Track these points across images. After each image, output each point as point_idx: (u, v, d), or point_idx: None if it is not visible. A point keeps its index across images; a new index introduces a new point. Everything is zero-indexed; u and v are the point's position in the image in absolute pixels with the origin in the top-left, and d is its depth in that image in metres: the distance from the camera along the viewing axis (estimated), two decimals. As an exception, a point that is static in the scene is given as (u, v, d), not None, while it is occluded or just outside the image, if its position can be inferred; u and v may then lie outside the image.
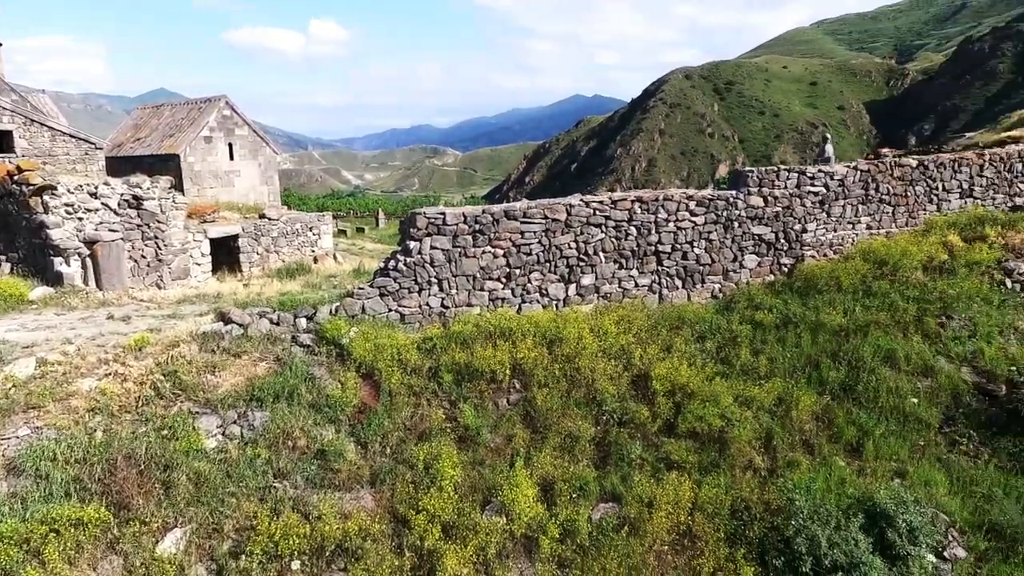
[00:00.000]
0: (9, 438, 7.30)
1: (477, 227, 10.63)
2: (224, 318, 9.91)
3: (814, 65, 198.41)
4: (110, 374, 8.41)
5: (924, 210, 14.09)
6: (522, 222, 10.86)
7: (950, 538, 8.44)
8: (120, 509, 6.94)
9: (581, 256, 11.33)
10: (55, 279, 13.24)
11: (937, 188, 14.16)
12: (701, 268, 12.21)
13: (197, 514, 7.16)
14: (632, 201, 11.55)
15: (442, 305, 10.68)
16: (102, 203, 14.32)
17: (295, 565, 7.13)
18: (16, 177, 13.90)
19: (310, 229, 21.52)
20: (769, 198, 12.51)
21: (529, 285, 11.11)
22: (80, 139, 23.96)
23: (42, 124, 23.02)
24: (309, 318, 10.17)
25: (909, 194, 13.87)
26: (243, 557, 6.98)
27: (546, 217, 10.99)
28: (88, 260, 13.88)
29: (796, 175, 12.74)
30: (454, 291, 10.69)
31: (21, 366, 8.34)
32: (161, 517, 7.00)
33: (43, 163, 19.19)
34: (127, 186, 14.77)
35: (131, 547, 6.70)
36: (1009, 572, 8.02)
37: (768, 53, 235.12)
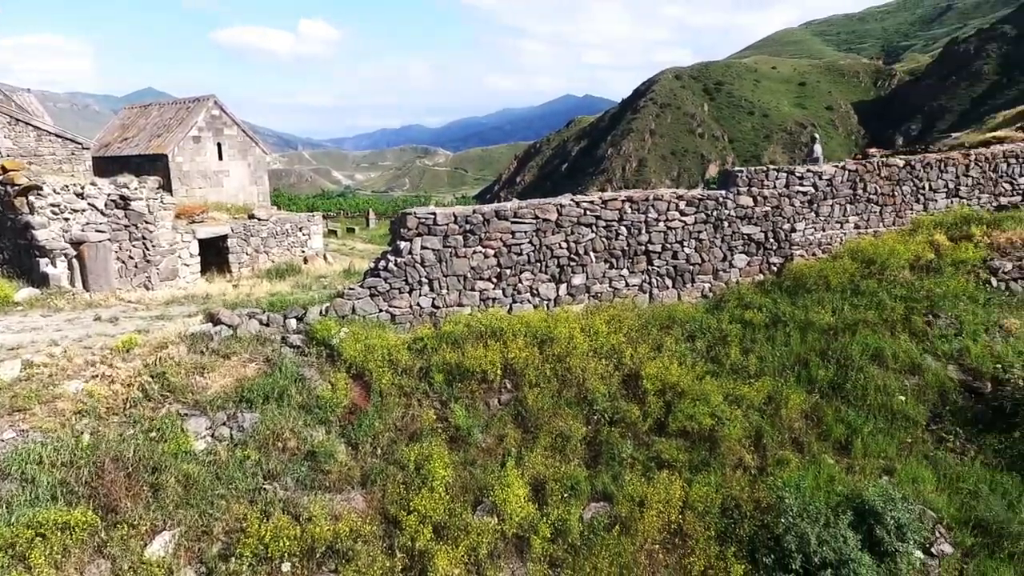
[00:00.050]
0: (-6, 441, 7.21)
1: (468, 227, 10.62)
2: (213, 319, 9.84)
3: (803, 65, 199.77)
4: (97, 376, 8.33)
5: (911, 210, 14.21)
6: (513, 222, 10.86)
7: (937, 534, 8.52)
8: (108, 512, 6.87)
9: (572, 256, 11.34)
10: (41, 280, 13.10)
11: (924, 188, 14.29)
12: (691, 268, 12.26)
13: (186, 517, 7.10)
14: (622, 201, 11.58)
15: (433, 305, 10.66)
16: (89, 203, 14.18)
17: (285, 567, 7.09)
18: (1, 177, 13.74)
19: (300, 229, 21.41)
20: (759, 198, 12.58)
21: (520, 285, 11.11)
22: (66, 139, 23.72)
23: (27, 124, 22.77)
24: (299, 319, 10.12)
25: (896, 194, 13.99)
26: (233, 559, 6.93)
27: (537, 217, 10.99)
28: (75, 261, 13.75)
29: (785, 175, 12.82)
30: (445, 291, 10.67)
31: (6, 368, 8.25)
32: (149, 520, 6.94)
33: (28, 163, 18.96)
34: (114, 186, 14.64)
35: (119, 551, 6.64)
36: (995, 567, 8.12)
37: (757, 53, 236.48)
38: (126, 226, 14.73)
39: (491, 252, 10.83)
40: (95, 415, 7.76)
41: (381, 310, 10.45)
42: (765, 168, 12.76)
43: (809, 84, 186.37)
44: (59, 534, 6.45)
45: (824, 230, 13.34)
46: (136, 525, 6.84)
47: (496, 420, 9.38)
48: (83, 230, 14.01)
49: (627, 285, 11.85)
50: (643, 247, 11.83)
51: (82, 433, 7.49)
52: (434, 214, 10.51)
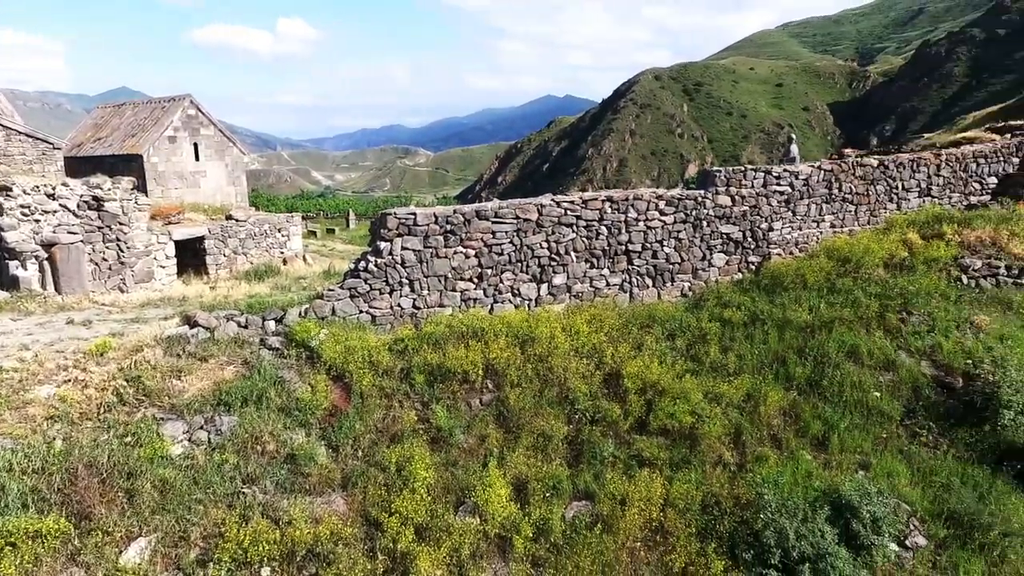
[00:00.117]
0: (-38, 449, 7.03)
1: (448, 227, 10.59)
2: (190, 321, 9.70)
3: (780, 67, 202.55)
4: (70, 380, 8.17)
5: (885, 209, 14.48)
6: (494, 222, 10.86)
7: (911, 527, 8.69)
8: (81, 519, 6.73)
9: (553, 256, 11.37)
10: (11, 283, 12.80)
11: (897, 187, 14.57)
12: (671, 267, 12.36)
13: (163, 522, 6.98)
14: (603, 201, 11.63)
15: (414, 306, 10.62)
16: (60, 204, 13.89)
17: (265, 572, 7.01)
18: (-32, 178, 13.40)
19: (279, 230, 21.19)
20: (737, 197, 12.72)
21: (501, 285, 11.11)
22: (37, 139, 23.20)
23: (-4, 123, 22.23)
24: (278, 320, 10.01)
25: (871, 193, 14.24)
26: (211, 565, 6.84)
27: (518, 217, 11.00)
28: (46, 263, 13.46)
29: (763, 175, 12.99)
30: (426, 292, 10.63)
31: (-25, 374, 8.04)
32: (125, 526, 6.81)
33: (-3, 163, 18.54)
34: (87, 187, 14.37)
35: (93, 558, 6.51)
36: (966, 558, 8.29)
37: (735, 55, 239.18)
38: (99, 227, 14.45)
39: (472, 252, 10.82)
40: (68, 420, 7.60)
41: (361, 311, 10.38)
42: (743, 168, 12.92)
43: (786, 85, 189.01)
44: (30, 543, 6.29)
45: (801, 229, 13.53)
46: (111, 532, 6.70)
47: (478, 420, 9.37)
48: (55, 232, 13.72)
49: (608, 284, 11.91)
50: (623, 247, 11.90)
51: (54, 439, 7.33)
52: (414, 214, 10.47)
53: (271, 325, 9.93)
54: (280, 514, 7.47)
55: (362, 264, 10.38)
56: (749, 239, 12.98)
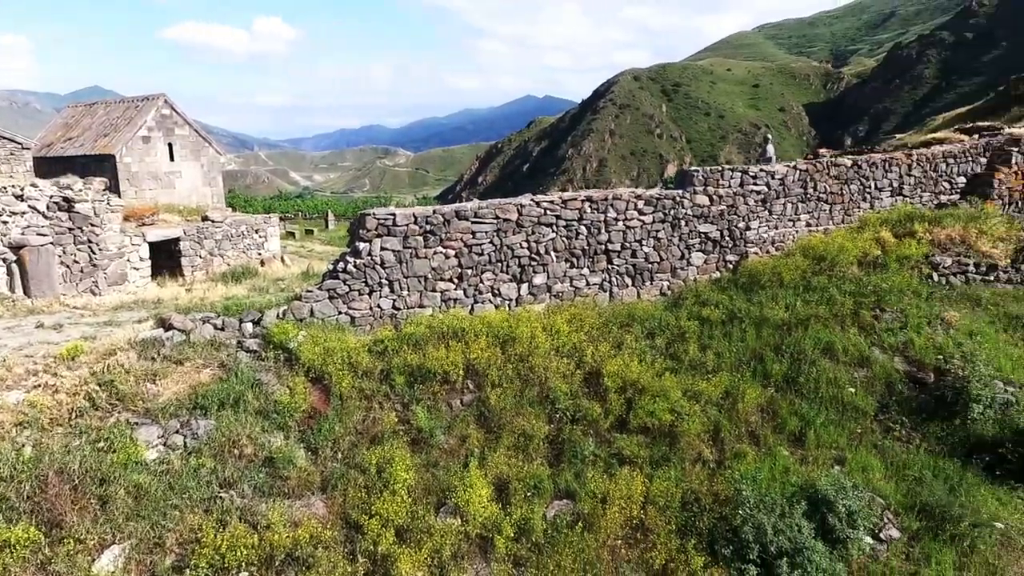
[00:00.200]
0: (-73, 457, 6.84)
1: (428, 228, 10.55)
2: (165, 324, 9.54)
3: (756, 68, 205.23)
4: (40, 385, 7.98)
5: (859, 208, 14.74)
6: (473, 222, 10.84)
7: (885, 520, 8.85)
8: (52, 528, 6.58)
9: (533, 256, 11.39)
10: (-22, 286, 12.47)
11: (870, 187, 14.84)
12: (650, 266, 12.45)
13: (137, 529, 6.85)
14: (582, 201, 11.68)
15: (393, 307, 10.56)
16: (29, 206, 13.57)
17: (243, 577, 6.91)
18: (-68, 178, 13.03)
19: (256, 231, 20.92)
20: (714, 197, 12.85)
21: (481, 285, 11.10)
22: (4, 138, 22.64)
23: (-38, 122, 21.63)
24: (255, 322, 9.89)
25: (845, 192, 14.48)
26: (187, 571, 6.73)
27: (497, 217, 11.00)
28: (14, 266, 13.14)
29: (740, 174, 13.14)
30: (405, 292, 10.58)
31: (-60, 380, 7.82)
32: (97, 534, 6.67)
33: (-37, 163, 18.06)
34: (57, 188, 14.05)
35: (64, 567, 6.37)
36: (938, 549, 8.47)
37: (713, 56, 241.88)
38: (70, 229, 14.14)
39: (452, 252, 10.79)
40: (37, 426, 7.43)
41: (340, 312, 10.30)
42: (720, 168, 13.05)
43: (762, 86, 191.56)
44: (-1, 552, 6.14)
45: (777, 228, 13.71)
46: (83, 540, 6.56)
47: (459, 421, 9.35)
48: (23, 233, 13.40)
49: (588, 284, 11.96)
50: (603, 246, 11.95)
51: (23, 446, 7.16)
52: (393, 215, 10.41)
53: (248, 327, 9.81)
54: (258, 518, 7.38)
55: (341, 265, 10.30)
56: (727, 238, 13.12)
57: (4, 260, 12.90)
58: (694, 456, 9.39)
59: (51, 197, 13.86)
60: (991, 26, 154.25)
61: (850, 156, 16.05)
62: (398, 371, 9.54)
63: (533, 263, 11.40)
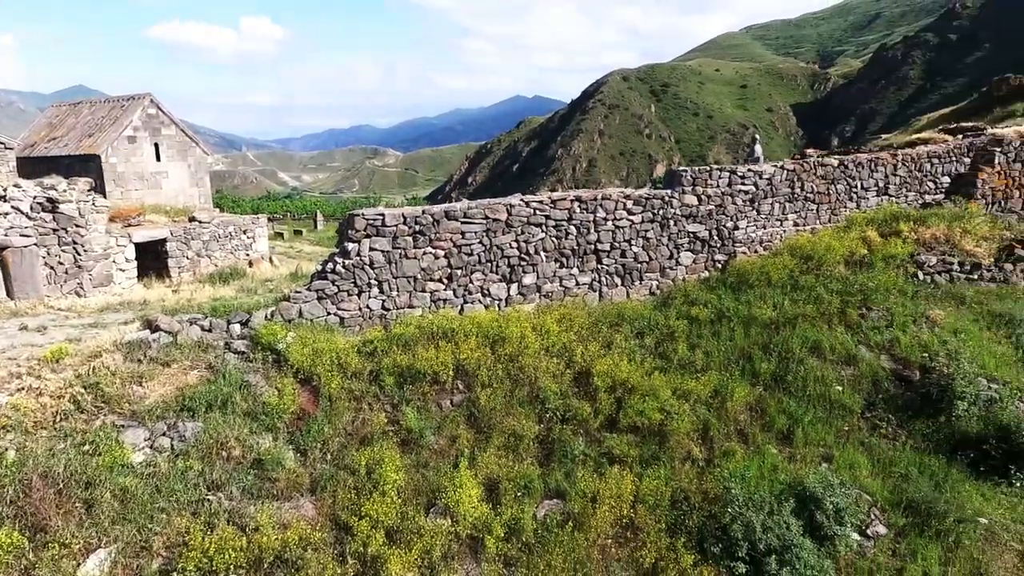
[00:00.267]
0: (-93, 461, 6.73)
1: (417, 228, 10.53)
2: (151, 326, 9.46)
3: (744, 68, 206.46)
4: (23, 388, 7.88)
5: (845, 207, 14.86)
6: (463, 222, 10.83)
7: (872, 516, 8.94)
8: (36, 532, 6.50)
9: (522, 256, 11.39)
10: (-40, 288, 12.30)
11: (857, 186, 14.97)
12: (639, 266, 12.49)
13: (123, 532, 6.78)
14: (571, 201, 11.69)
15: (383, 307, 10.53)
16: (12, 207, 13.39)
17: (231, 580, 6.86)
18: (-87, 179, 12.84)
19: (244, 232, 20.77)
20: (703, 197, 12.92)
21: (471, 285, 11.08)
22: (-13, 138, 22.33)
23: (-57, 122, 21.34)
24: (243, 324, 9.83)
25: (831, 192, 14.60)
26: (174, 575, 6.67)
27: (487, 217, 10.99)
28: (-2, 267, 12.96)
29: (728, 174, 13.21)
30: (395, 293, 10.55)
31: (-79, 383, 7.71)
32: (83, 538, 6.60)
33: (-55, 164, 17.80)
34: (41, 188, 13.88)
35: (49, 572, 6.29)
36: (924, 545, 8.56)
37: (701, 56, 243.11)
38: (54, 230, 13.97)
39: (441, 253, 10.77)
40: (21, 430, 7.33)
41: (329, 313, 10.25)
42: (708, 168, 13.11)
43: (750, 86, 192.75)
44: (-18, 558, 6.06)
45: (765, 227, 13.80)
46: (68, 544, 6.49)
47: (448, 421, 9.33)
48: (6, 235, 13.23)
49: (577, 284, 11.98)
50: (592, 246, 11.98)
51: (6, 450, 7.06)
52: (383, 215, 10.38)
53: (236, 328, 9.74)
54: (247, 520, 7.33)
55: (330, 266, 10.25)
56: (715, 238, 13.19)
57: (-13, 261, 12.73)
58: (683, 455, 9.43)
59: (35, 198, 13.70)
60: (974, 28, 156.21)
61: (837, 156, 16.18)
62: (388, 372, 9.51)
63: (523, 263, 11.41)
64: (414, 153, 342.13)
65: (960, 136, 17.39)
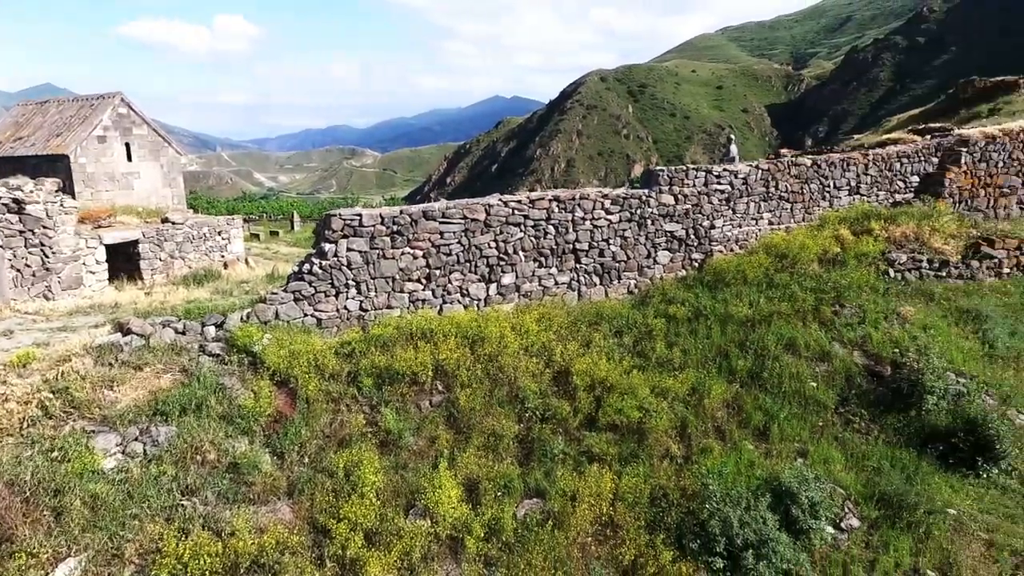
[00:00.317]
0: None
1: (395, 228, 10.46)
2: (123, 329, 9.26)
3: (720, 70, 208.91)
4: (-11, 394, 7.66)
5: (818, 206, 15.12)
6: (441, 222, 10.79)
7: (846, 510, 9.10)
8: (2, 542, 6.32)
9: (501, 255, 11.39)
10: (-78, 292, 11.92)
11: (829, 186, 15.23)
12: (617, 265, 12.56)
13: (94, 540, 6.63)
14: (550, 200, 11.72)
15: (361, 308, 10.45)
16: (-23, 207, 13.02)
17: (207, 586, 6.74)
18: None
19: (219, 233, 20.44)
20: (680, 196, 13.03)
21: (450, 286, 11.05)
22: (-50, 137, 21.69)
23: (-97, 120, 20.67)
24: (218, 326, 9.67)
25: (805, 191, 14.84)
26: (148, 582, 6.54)
27: (465, 217, 10.96)
28: (-39, 270, 12.59)
29: (704, 174, 13.35)
30: (373, 293, 10.47)
31: None
32: (51, 547, 6.43)
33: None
34: (6, 189, 13.51)
35: (17, 582, 6.13)
36: (896, 536, 8.75)
37: (678, 57, 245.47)
38: (21, 232, 13.61)
39: (420, 253, 10.72)
40: (-13, 437, 7.13)
41: (306, 315, 10.14)
42: (685, 167, 13.24)
43: (726, 87, 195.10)
44: (-54, 569, 5.88)
45: (741, 226, 13.98)
46: (35, 554, 6.32)
47: (428, 422, 9.29)
48: (-29, 236, 12.85)
49: (556, 283, 12.01)
50: (571, 245, 12.02)
51: (-29, 457, 6.86)
52: (360, 215, 10.30)
53: (211, 331, 9.59)
54: (222, 525, 7.22)
55: (306, 266, 10.14)
56: (692, 237, 13.32)
57: (-50, 264, 12.36)
58: (662, 452, 9.51)
59: (0, 199, 13.33)
60: (941, 32, 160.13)
61: (810, 156, 16.45)
62: (366, 373, 9.44)
63: (502, 263, 11.40)
64: (392, 153, 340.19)
65: (928, 136, 17.80)
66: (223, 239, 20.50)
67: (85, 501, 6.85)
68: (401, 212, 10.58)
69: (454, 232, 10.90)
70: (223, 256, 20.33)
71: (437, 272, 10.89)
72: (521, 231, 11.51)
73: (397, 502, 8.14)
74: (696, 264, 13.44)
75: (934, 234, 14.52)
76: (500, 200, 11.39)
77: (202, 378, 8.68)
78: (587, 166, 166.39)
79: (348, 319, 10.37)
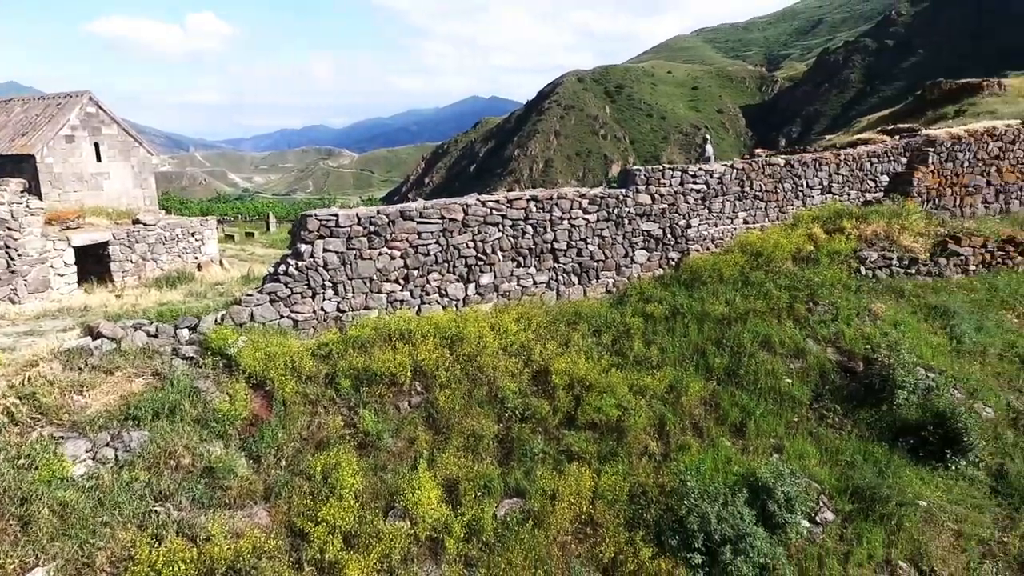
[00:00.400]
0: None
1: (372, 228, 10.39)
2: (92, 332, 9.05)
3: (695, 71, 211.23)
4: (-49, 401, 7.43)
5: (792, 205, 15.35)
6: (419, 222, 10.73)
7: (821, 504, 9.26)
8: (-33, 553, 6.14)
9: (479, 255, 11.37)
10: None
11: (802, 185, 15.48)
12: (595, 264, 12.62)
13: (63, 549, 6.47)
14: (528, 200, 11.73)
15: (338, 309, 10.35)
16: (-62, 209, 12.64)
17: (182, 594, 6.62)
18: None
19: (192, 234, 20.10)
20: (656, 195, 13.14)
21: (428, 286, 11.00)
22: (-91, 137, 21.00)
23: None
24: (192, 328, 9.51)
25: (779, 191, 15.06)
26: (120, 591, 6.40)
27: (443, 217, 10.92)
28: (-78, 274, 12.20)
29: (680, 174, 13.47)
30: (350, 294, 10.38)
31: None
32: (18, 557, 6.26)
33: None
34: (-31, 189, 13.14)
35: (-17, 594, 5.96)
36: (869, 528, 8.93)
37: (654, 58, 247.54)
38: (-15, 233, 13.25)
39: (397, 253, 10.65)
40: (-51, 445, 6.91)
41: (282, 316, 10.02)
42: (662, 167, 13.35)
43: (701, 88, 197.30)
44: (-93, 582, 5.69)
45: (717, 225, 14.14)
46: (1, 565, 6.14)
47: (407, 423, 9.24)
48: (-68, 239, 12.47)
49: (535, 283, 12.03)
50: (549, 245, 12.04)
51: (-66, 466, 6.65)
52: (336, 215, 10.20)
53: (184, 333, 9.42)
54: (197, 531, 7.10)
55: (282, 267, 10.02)
56: (669, 236, 13.43)
57: (-91, 268, 11.98)
58: (641, 450, 9.57)
59: (-37, 199, 12.96)
60: (909, 35, 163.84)
61: (784, 156, 16.70)
62: (343, 375, 9.35)
63: (480, 263, 11.38)
64: (369, 154, 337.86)
65: (897, 137, 18.18)
66: (197, 240, 20.16)
67: (54, 509, 6.68)
68: (378, 212, 10.51)
69: (432, 232, 10.86)
70: (197, 258, 20.00)
71: (415, 272, 10.84)
72: (499, 231, 11.50)
73: (376, 504, 8.08)
74: (673, 263, 13.56)
75: (903, 232, 14.84)
76: (478, 200, 11.37)
77: (176, 381, 8.52)
78: (565, 166, 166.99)
79: (325, 320, 10.27)
